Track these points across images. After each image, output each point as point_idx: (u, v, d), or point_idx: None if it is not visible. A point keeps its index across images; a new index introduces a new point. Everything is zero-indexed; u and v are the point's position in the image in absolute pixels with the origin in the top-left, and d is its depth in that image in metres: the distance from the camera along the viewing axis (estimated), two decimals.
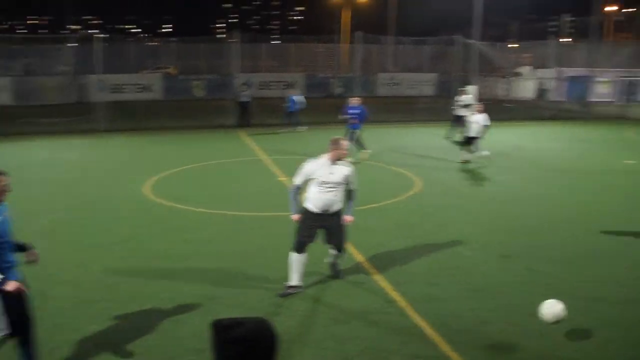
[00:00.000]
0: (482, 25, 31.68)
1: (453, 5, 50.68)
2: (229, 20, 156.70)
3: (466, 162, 15.67)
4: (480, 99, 26.74)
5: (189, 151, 17.79)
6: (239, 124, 23.04)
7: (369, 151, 16.20)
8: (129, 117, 24.50)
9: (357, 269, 7.85)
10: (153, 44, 54.62)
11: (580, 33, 42.21)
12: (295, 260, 6.95)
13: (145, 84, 34.88)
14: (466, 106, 18.96)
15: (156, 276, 7.58)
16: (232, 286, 7.24)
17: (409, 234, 9.46)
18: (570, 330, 6.12)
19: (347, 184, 6.97)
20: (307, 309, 6.61)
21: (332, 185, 6.83)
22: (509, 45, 43.61)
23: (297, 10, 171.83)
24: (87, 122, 22.30)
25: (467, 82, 28.04)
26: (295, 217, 7.04)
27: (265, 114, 24.15)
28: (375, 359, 5.57)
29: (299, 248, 6.95)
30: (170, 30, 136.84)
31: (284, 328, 6.07)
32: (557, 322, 5.83)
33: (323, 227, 7.02)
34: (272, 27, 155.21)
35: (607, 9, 55.04)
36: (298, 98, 22.34)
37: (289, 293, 6.93)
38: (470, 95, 20.42)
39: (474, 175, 14.53)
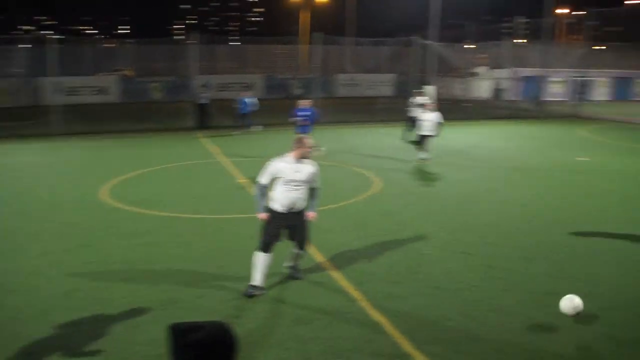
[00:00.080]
0: (439, 26, 32.09)
1: (411, 7, 51.22)
2: (187, 22, 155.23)
3: (423, 160, 15.84)
4: (439, 98, 27.15)
5: (147, 154, 17.55)
6: (198, 126, 22.83)
7: (323, 148, 16.17)
8: (86, 121, 24.05)
9: (318, 269, 7.86)
10: (109, 45, 53.72)
11: (533, 34, 43.15)
12: (261, 260, 6.95)
13: (102, 87, 34.30)
14: (421, 106, 19.16)
15: (114, 281, 7.44)
16: (193, 289, 7.16)
17: (369, 234, 9.52)
18: (528, 324, 6.26)
19: (311, 182, 7.04)
20: (268, 311, 6.59)
21: (298, 184, 6.89)
22: (466, 46, 44.27)
23: (255, 12, 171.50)
24: (41, 126, 21.80)
25: (425, 83, 28.45)
26: (262, 215, 7.03)
27: (224, 116, 23.99)
28: (337, 358, 5.59)
29: (265, 248, 6.96)
30: (127, 31, 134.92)
31: (245, 330, 6.04)
32: (578, 314, 6.29)
33: (288, 225, 7.04)
34: (230, 28, 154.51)
35: (559, 11, 56.52)
36: (250, 100, 22.19)
37: (253, 293, 6.91)
38: (426, 97, 20.63)
39: (432, 174, 14.70)
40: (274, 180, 6.96)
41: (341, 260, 8.21)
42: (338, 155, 16.62)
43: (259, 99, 23.40)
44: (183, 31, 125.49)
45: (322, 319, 6.35)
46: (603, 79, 41.49)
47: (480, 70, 40.30)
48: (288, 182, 6.85)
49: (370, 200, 11.92)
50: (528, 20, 45.92)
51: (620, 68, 42.56)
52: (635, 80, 43.19)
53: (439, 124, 15.92)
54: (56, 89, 25.45)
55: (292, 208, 6.94)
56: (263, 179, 6.99)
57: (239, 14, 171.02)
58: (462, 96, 37.18)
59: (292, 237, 7.16)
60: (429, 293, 7.10)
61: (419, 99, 19.95)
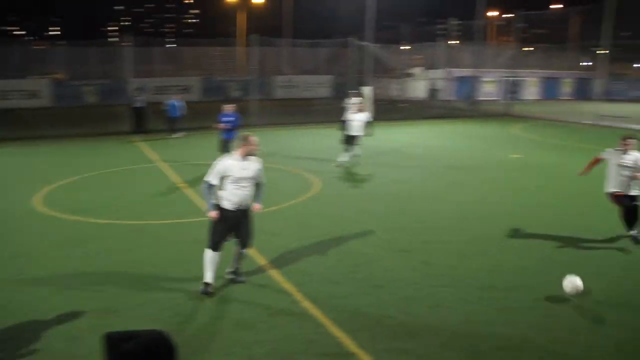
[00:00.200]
0: (375, 28, 32.55)
1: (347, 9, 51.71)
2: (122, 24, 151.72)
3: (343, 163, 15.69)
4: (375, 99, 27.54)
5: (83, 160, 17.06)
6: (135, 130, 22.34)
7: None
8: (16, 126, 23.17)
9: (260, 271, 7.87)
10: (40, 47, 51.83)
11: (466, 36, 44.34)
12: (212, 258, 7.08)
13: (33, 91, 33.07)
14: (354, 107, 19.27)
15: (51, 292, 7.20)
16: (133, 297, 7.03)
17: (309, 235, 9.58)
18: (467, 318, 6.47)
19: (257, 178, 7.21)
20: (211, 316, 6.55)
21: (245, 181, 7.03)
22: (401, 48, 45.11)
23: (191, 13, 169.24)
24: None
25: (362, 84, 28.76)
26: (212, 214, 7.07)
27: (161, 120, 23.58)
28: None
29: (215, 246, 7.09)
30: (58, 33, 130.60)
31: (187, 337, 5.99)
32: (578, 293, 6.85)
33: (235, 223, 7.13)
34: (166, 30, 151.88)
35: (490, 14, 58.26)
36: (179, 103, 21.88)
37: (207, 290, 7.04)
38: (360, 98, 20.80)
39: (370, 174, 14.89)
40: (222, 178, 7.02)
41: (283, 262, 8.24)
42: (277, 157, 16.62)
43: (196, 102, 23.09)
44: (117, 33, 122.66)
45: (266, 322, 6.37)
46: (533, 79, 43.10)
47: (416, 71, 41.13)
48: (236, 180, 6.97)
49: (310, 202, 12.00)
50: (461, 22, 47.13)
51: (548, 68, 44.34)
52: (562, 80, 45.05)
53: (368, 124, 16.02)
54: None
55: (241, 206, 7.07)
56: (212, 178, 7.03)
57: (174, 15, 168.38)
58: (399, 96, 37.87)
59: (237, 235, 7.23)
60: (370, 292, 7.22)
61: (355, 100, 20.13)
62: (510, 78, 36.71)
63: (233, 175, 6.96)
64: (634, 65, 55.35)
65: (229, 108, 15.59)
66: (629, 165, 9.05)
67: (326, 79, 40.24)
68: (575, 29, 50.95)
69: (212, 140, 19.96)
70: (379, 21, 33.49)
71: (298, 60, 40.70)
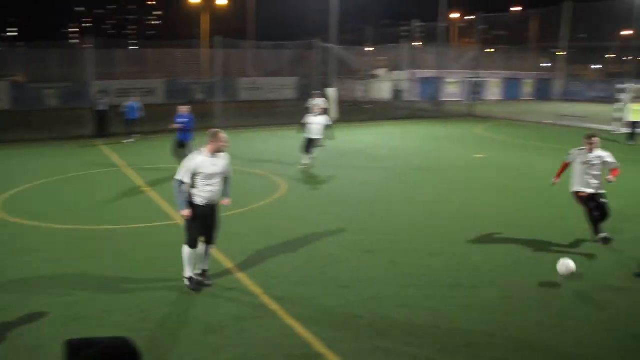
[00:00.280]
0: (339, 30, 32.67)
1: (311, 11, 51.80)
2: (83, 25, 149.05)
3: (306, 165, 15.71)
4: (340, 101, 27.65)
5: (43, 164, 16.70)
6: (97, 133, 21.99)
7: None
8: None
9: (227, 274, 7.83)
10: None
11: (429, 38, 44.86)
12: (190, 255, 7.21)
13: None
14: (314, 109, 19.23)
15: (9, 302, 7.01)
16: (98, 303, 6.91)
17: (276, 237, 9.57)
18: (435, 317, 6.54)
19: (226, 173, 7.32)
20: (177, 321, 6.49)
21: (216, 177, 7.13)
22: (366, 49, 45.41)
23: (154, 15, 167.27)
24: None
25: (326, 85, 28.85)
26: (186, 212, 7.07)
27: (124, 123, 23.25)
28: None
29: (193, 243, 7.18)
30: (16, 34, 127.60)
31: (153, 342, 5.93)
32: (572, 274, 7.41)
33: (207, 218, 7.20)
34: (129, 32, 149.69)
35: (452, 15, 59.08)
36: (138, 105, 21.55)
37: (196, 283, 7.22)
38: (323, 99, 20.82)
39: (335, 176, 14.94)
40: (193, 175, 7.04)
41: (250, 264, 8.21)
42: (242, 160, 16.55)
43: (161, 105, 22.82)
44: (78, 35, 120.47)
45: (233, 326, 6.33)
46: (495, 80, 43.84)
47: (380, 72, 41.43)
48: (207, 176, 7.04)
49: (276, 204, 11.99)
50: (424, 24, 47.66)
51: (510, 69, 45.16)
52: (523, 80, 45.93)
53: (327, 127, 16.04)
54: None
55: (212, 202, 7.19)
56: (183, 176, 7.02)
57: (137, 17, 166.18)
58: (363, 98, 38.11)
59: (206, 230, 7.27)
60: (337, 292, 7.25)
61: (318, 101, 20.18)
62: (473, 79, 37.29)
63: (204, 172, 7.02)
64: (592, 67, 56.78)
65: (183, 109, 15.49)
66: (594, 163, 9.21)
67: (291, 80, 40.23)
68: (534, 31, 52.01)
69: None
70: (342, 23, 33.62)
71: (262, 63, 40.57)
